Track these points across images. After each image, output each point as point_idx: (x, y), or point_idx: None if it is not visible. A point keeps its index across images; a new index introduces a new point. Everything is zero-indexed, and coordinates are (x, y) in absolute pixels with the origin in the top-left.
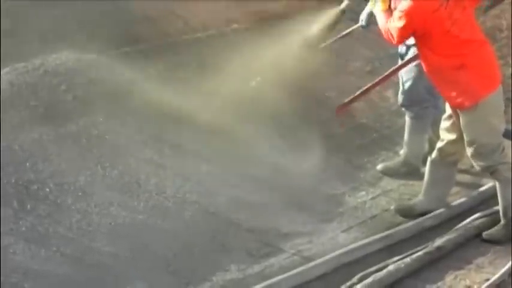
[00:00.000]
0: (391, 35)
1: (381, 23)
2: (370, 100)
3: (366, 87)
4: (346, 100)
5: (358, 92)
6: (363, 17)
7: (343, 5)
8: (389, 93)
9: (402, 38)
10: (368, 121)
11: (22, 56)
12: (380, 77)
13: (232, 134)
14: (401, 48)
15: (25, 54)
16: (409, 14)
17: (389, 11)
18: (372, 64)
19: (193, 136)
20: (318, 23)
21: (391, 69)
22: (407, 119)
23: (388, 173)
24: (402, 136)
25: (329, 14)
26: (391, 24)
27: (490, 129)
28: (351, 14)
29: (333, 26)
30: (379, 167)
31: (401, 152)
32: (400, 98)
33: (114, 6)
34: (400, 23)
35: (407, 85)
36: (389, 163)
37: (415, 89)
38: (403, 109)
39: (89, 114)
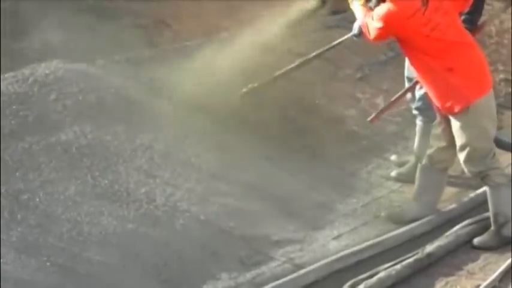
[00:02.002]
0: (368, 31)
1: (358, 16)
2: (360, 107)
3: (393, 99)
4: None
5: (387, 104)
6: (356, 26)
7: None
8: (379, 100)
9: (379, 38)
10: (358, 128)
11: (11, 65)
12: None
13: (223, 142)
14: (409, 72)
15: (14, 64)
16: (385, 19)
17: (366, 5)
18: (362, 71)
19: (183, 144)
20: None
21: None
22: (419, 123)
23: (403, 179)
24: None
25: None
26: (369, 20)
27: (483, 133)
28: (342, 22)
29: (311, 14)
30: (393, 173)
31: (412, 156)
32: (416, 103)
33: (104, 15)
34: (378, 25)
35: (423, 90)
36: (402, 169)
37: None
38: (415, 113)
39: (79, 123)
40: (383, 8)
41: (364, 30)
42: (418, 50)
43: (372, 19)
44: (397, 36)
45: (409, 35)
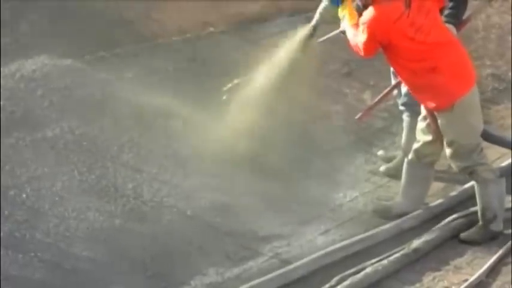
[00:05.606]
0: (359, 48)
1: (350, 37)
2: (347, 103)
3: (380, 96)
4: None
5: (374, 101)
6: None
7: (313, 22)
8: (365, 95)
9: (369, 51)
10: (346, 123)
11: None
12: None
13: (209, 137)
14: None
15: (1, 59)
16: (370, 26)
17: (357, 25)
18: (348, 67)
19: (170, 140)
20: (291, 44)
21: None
22: (406, 118)
23: (391, 174)
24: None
25: (300, 34)
26: (357, 38)
27: (469, 129)
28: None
29: (307, 45)
30: (382, 168)
31: (400, 152)
32: (402, 98)
33: (90, 10)
34: (364, 36)
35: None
36: (390, 164)
37: None
38: (402, 108)
39: (66, 119)
40: (368, 15)
41: (356, 50)
42: (401, 56)
43: (358, 34)
44: (383, 42)
45: (395, 40)
